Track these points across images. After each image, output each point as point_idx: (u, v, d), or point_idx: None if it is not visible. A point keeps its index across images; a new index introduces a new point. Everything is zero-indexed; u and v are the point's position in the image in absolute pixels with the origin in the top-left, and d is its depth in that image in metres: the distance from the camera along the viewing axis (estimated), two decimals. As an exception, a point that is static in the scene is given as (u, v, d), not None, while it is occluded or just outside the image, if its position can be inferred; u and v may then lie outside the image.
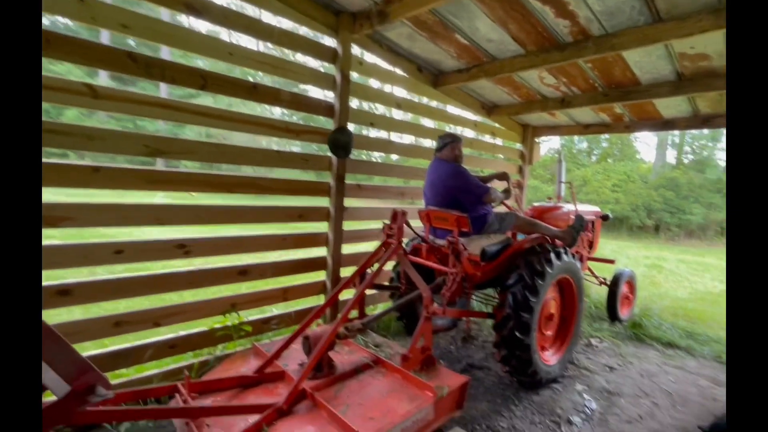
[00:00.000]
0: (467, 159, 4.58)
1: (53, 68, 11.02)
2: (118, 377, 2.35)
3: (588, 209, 4.27)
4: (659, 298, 5.42)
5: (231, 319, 2.68)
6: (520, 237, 3.22)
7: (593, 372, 3.11)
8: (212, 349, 2.73)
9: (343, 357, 2.37)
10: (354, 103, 3.28)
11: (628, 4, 2.39)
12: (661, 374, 3.18)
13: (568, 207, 3.93)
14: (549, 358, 2.85)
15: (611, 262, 4.52)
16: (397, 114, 6.25)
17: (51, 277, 2.12)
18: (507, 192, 2.99)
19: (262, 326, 2.92)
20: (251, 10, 3.41)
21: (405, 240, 2.87)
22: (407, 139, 4.74)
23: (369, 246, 2.81)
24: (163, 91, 14.19)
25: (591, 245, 4.27)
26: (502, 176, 3.22)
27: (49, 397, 1.29)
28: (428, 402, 1.90)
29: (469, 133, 4.61)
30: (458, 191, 2.78)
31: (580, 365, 3.19)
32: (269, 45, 2.88)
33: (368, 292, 3.19)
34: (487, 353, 3.31)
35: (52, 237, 4.29)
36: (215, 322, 2.65)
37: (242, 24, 2.59)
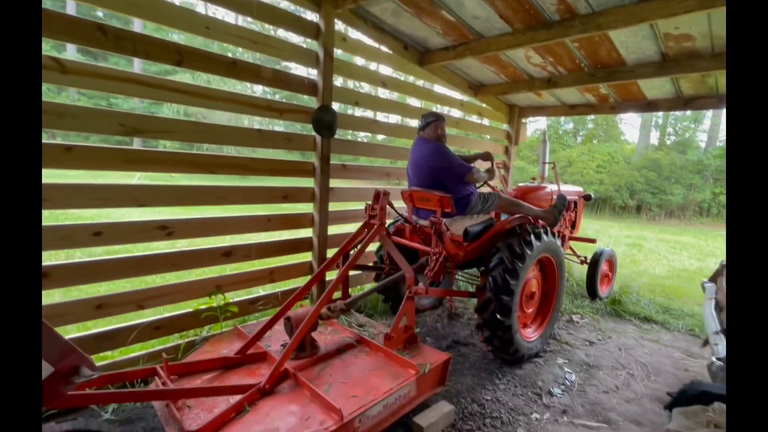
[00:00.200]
0: (454, 139, 4.57)
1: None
2: (103, 359, 2.33)
3: (571, 189, 4.33)
4: (638, 275, 5.60)
5: (217, 301, 2.67)
6: (504, 217, 3.25)
7: (573, 346, 3.22)
8: (198, 331, 2.73)
9: (327, 337, 2.39)
10: (338, 81, 3.20)
11: (615, -20, 2.37)
12: (638, 347, 3.31)
13: (552, 187, 3.97)
14: (530, 335, 2.93)
15: (592, 241, 4.63)
16: (383, 93, 6.15)
17: (26, 260, 2.06)
18: (490, 172, 2.99)
19: (248, 307, 2.92)
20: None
21: (389, 221, 2.87)
22: (393, 118, 4.69)
23: (355, 227, 2.81)
24: (137, 66, 13.67)
25: (573, 225, 4.35)
26: (486, 156, 3.22)
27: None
28: (411, 379, 1.95)
29: (455, 112, 4.58)
30: (441, 171, 2.76)
31: (562, 340, 3.30)
32: (249, 19, 2.77)
33: (353, 272, 3.21)
34: (472, 330, 3.38)
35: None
36: (200, 303, 2.63)
37: (219, -4, 2.48)
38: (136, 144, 11.58)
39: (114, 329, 2.31)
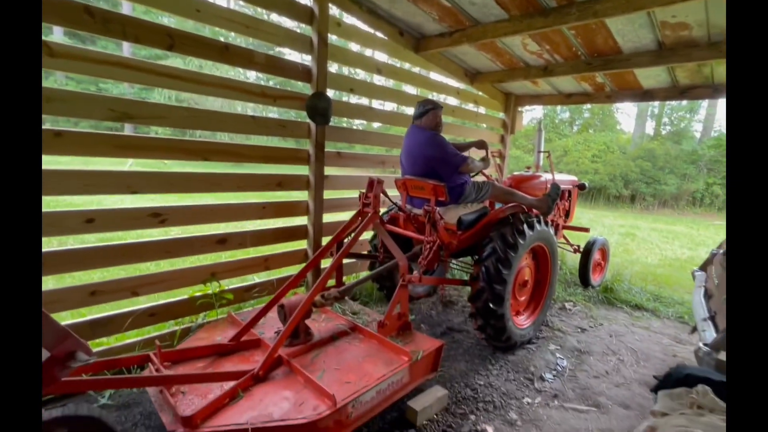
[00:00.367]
0: (449, 127, 4.55)
1: None
2: (98, 346, 2.34)
3: (565, 178, 4.34)
4: (631, 264, 5.66)
5: (212, 288, 2.67)
6: (498, 206, 3.26)
7: (565, 333, 3.27)
8: (194, 317, 2.74)
9: (321, 324, 2.41)
10: (333, 67, 3.16)
11: (613, -34, 2.34)
12: (628, 334, 3.37)
13: (546, 176, 3.98)
14: (523, 322, 2.97)
15: (586, 230, 4.66)
16: (378, 80, 6.09)
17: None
18: (485, 161, 2.99)
19: (243, 294, 2.92)
20: (221, -36, 3.18)
21: (383, 209, 2.87)
22: (389, 106, 4.65)
23: (350, 215, 2.81)
24: (126, 51, 13.40)
25: (567, 214, 4.37)
26: (480, 144, 3.21)
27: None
28: (404, 366, 1.97)
29: (451, 101, 4.54)
30: (436, 161, 2.75)
31: (554, 327, 3.35)
32: (241, 3, 2.71)
33: (347, 261, 3.22)
34: (466, 317, 3.42)
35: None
36: (195, 291, 2.63)
37: (211, -22, 2.42)
38: (127, 130, 11.40)
39: (109, 316, 2.31)
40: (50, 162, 2.40)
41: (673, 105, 19.75)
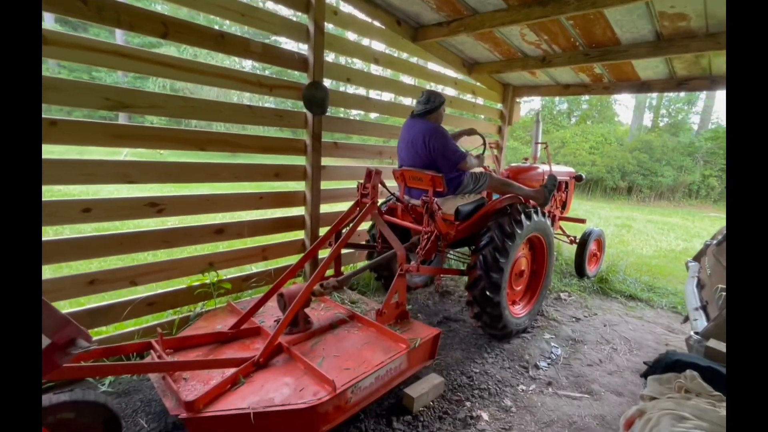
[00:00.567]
0: (447, 118, 4.54)
1: None
2: (97, 335, 2.35)
3: (562, 170, 4.36)
4: (626, 255, 5.71)
5: (210, 277, 2.69)
6: (495, 197, 3.28)
7: (560, 323, 3.31)
8: (192, 307, 2.75)
9: (320, 313, 2.44)
10: (329, 57, 3.14)
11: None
12: (622, 324, 3.42)
13: (543, 168, 3.99)
14: (519, 312, 3.00)
15: (582, 221, 4.69)
16: (376, 70, 6.04)
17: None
18: (480, 158, 2.98)
19: (241, 284, 2.94)
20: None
21: (381, 200, 2.88)
22: (386, 96, 4.62)
23: (348, 205, 2.81)
24: (119, 38, 13.22)
25: (564, 205, 4.39)
26: (470, 132, 3.22)
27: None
28: (402, 353, 2.00)
29: (449, 91, 4.53)
30: (438, 153, 2.74)
31: (549, 317, 3.39)
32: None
33: (345, 251, 3.24)
34: (463, 307, 3.46)
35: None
36: (194, 280, 2.65)
37: (206, -35, 2.39)
38: (122, 119, 11.31)
39: (107, 305, 2.33)
40: (45, 151, 2.39)
41: (671, 97, 19.72)
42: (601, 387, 2.45)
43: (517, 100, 5.33)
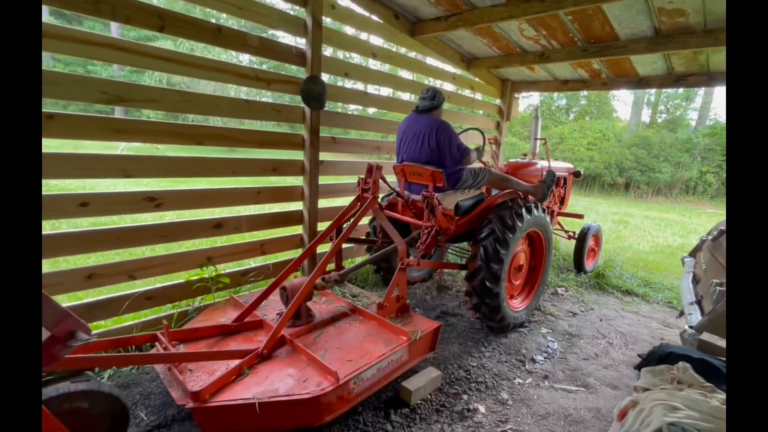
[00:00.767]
0: (445, 113, 4.54)
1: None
2: (96, 328, 2.36)
3: (561, 166, 4.37)
4: (623, 250, 5.74)
5: (208, 272, 2.69)
6: (494, 192, 3.29)
7: (557, 317, 3.34)
8: (191, 301, 2.76)
9: (321, 306, 2.46)
10: (327, 51, 3.13)
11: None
12: (618, 318, 3.45)
13: (542, 163, 4.00)
14: (517, 306, 3.02)
15: (580, 217, 4.71)
16: (374, 64, 6.02)
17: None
18: (479, 151, 3.00)
19: (240, 278, 2.95)
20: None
21: (381, 195, 2.88)
22: (384, 91, 4.62)
23: (346, 201, 2.82)
24: (114, 31, 13.11)
25: (562, 200, 4.41)
26: (477, 129, 3.23)
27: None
28: (403, 345, 2.02)
29: (448, 86, 4.52)
30: (443, 148, 2.75)
31: (546, 311, 3.41)
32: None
33: (345, 245, 3.25)
34: (460, 301, 3.48)
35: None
36: (192, 275, 2.65)
37: (203, -43, 2.37)
38: (118, 113, 11.25)
39: (106, 299, 2.33)
40: (42, 146, 2.37)
41: (670, 93, 19.72)
42: (597, 380, 2.48)
43: (516, 95, 5.33)
